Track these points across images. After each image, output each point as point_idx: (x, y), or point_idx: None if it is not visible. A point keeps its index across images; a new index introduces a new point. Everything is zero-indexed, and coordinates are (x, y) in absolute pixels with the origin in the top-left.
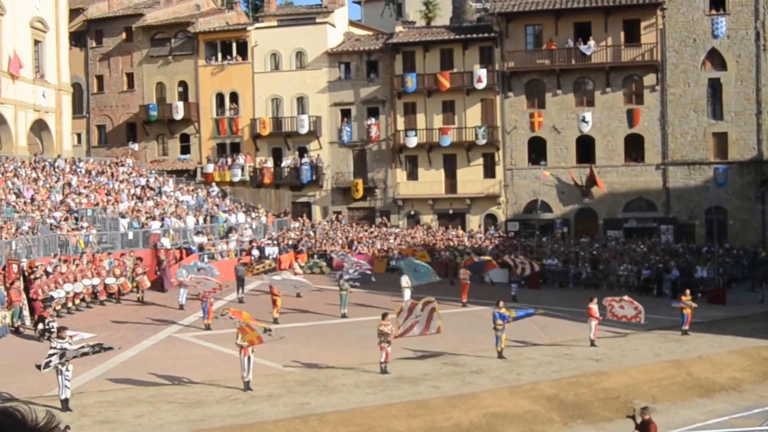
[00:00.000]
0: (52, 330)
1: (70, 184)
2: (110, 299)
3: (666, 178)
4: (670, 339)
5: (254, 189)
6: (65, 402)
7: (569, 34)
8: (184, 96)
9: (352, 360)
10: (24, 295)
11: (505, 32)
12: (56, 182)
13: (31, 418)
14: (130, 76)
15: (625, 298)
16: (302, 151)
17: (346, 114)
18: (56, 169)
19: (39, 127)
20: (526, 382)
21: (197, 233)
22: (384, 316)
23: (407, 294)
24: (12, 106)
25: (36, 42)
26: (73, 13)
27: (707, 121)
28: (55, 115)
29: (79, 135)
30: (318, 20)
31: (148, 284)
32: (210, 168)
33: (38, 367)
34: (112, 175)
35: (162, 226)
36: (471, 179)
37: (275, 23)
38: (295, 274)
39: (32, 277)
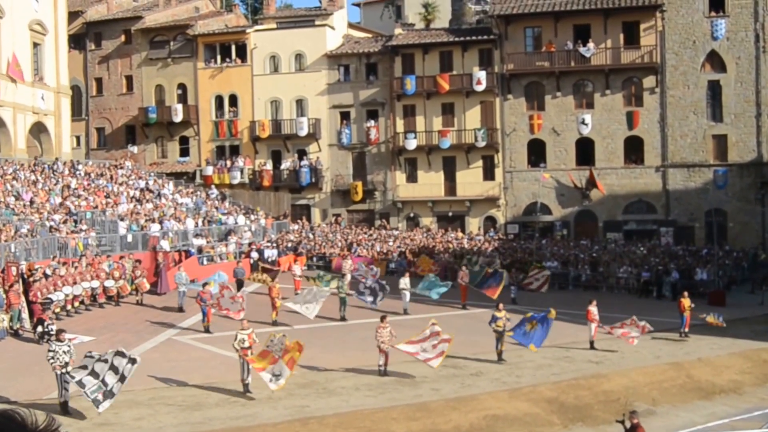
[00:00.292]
0: (51, 333)
1: (69, 187)
2: (109, 302)
3: (666, 180)
4: (670, 341)
5: (253, 191)
6: (64, 405)
7: (568, 36)
8: (183, 98)
9: (352, 362)
10: (23, 298)
11: (505, 34)
12: (55, 185)
13: (30, 421)
14: (129, 79)
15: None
16: (301, 154)
17: (345, 116)
18: (55, 172)
19: (38, 130)
20: (526, 384)
21: (196, 236)
22: (383, 318)
23: (407, 296)
24: (11, 108)
25: (35, 45)
26: (72, 15)
27: (707, 123)
28: (54, 117)
29: (78, 138)
30: (317, 22)
31: (148, 287)
32: (209, 170)
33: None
34: (111, 177)
35: (161, 229)
36: (470, 181)
37: (274, 26)
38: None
39: (31, 279)
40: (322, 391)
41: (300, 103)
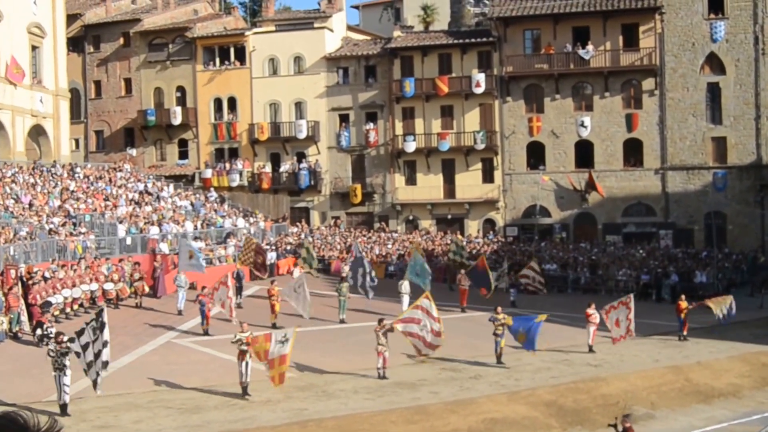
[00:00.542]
0: (51, 335)
1: (68, 190)
2: (108, 304)
3: (665, 182)
4: (669, 344)
5: (252, 194)
6: (64, 407)
7: (568, 39)
8: (182, 101)
9: (351, 365)
10: (22, 301)
11: (504, 37)
12: (54, 187)
13: (33, 423)
14: (127, 82)
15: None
16: (300, 156)
17: (344, 119)
18: (54, 175)
19: (37, 133)
20: (525, 387)
21: (195, 238)
22: (380, 321)
23: (406, 300)
24: (9, 111)
25: (33, 47)
26: (71, 18)
27: (706, 126)
28: (52, 120)
29: (77, 140)
30: (316, 25)
31: (147, 289)
32: (208, 173)
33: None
34: (110, 180)
35: (160, 232)
36: (469, 184)
37: (273, 28)
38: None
39: (30, 282)
40: (320, 394)
41: (299, 106)
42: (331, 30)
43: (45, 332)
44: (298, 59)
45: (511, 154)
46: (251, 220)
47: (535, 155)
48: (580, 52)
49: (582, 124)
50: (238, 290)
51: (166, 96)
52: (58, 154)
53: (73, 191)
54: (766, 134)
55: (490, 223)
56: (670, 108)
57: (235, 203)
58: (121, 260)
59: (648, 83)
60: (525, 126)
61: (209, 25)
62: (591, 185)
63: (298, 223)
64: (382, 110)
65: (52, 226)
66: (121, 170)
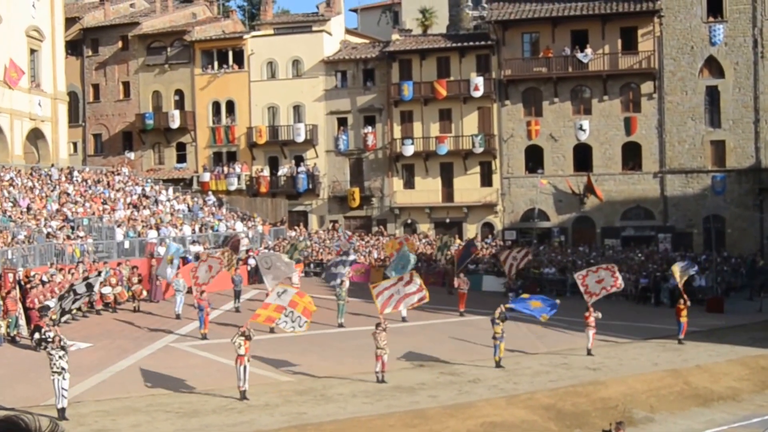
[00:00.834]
0: (49, 339)
1: (66, 193)
2: (106, 308)
3: (664, 186)
4: (668, 348)
5: (250, 198)
6: (62, 411)
7: (566, 42)
8: (180, 104)
9: (349, 369)
10: (20, 305)
11: (502, 40)
12: (52, 191)
13: (34, 427)
14: (126, 85)
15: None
16: (299, 160)
17: (342, 122)
18: (51, 179)
19: (35, 136)
20: (524, 391)
21: (193, 242)
22: (378, 325)
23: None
24: (8, 114)
25: (32, 51)
26: (69, 21)
27: (705, 129)
28: (51, 123)
29: (75, 144)
30: (314, 28)
31: (145, 293)
32: (206, 177)
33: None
34: (108, 184)
35: (158, 236)
36: (468, 188)
37: (271, 31)
38: (292, 283)
39: (28, 286)
40: (319, 397)
41: (297, 109)
42: (330, 33)
43: (43, 336)
44: (296, 63)
45: (510, 157)
46: (249, 224)
47: (534, 159)
48: (579, 55)
49: (580, 128)
50: (236, 294)
51: (164, 99)
52: (57, 158)
53: (71, 195)
54: (765, 137)
55: (488, 227)
56: (669, 111)
57: (233, 207)
58: (119, 264)
59: (647, 87)
60: (523, 129)
61: (208, 29)
62: (590, 189)
63: (296, 227)
64: (381, 114)
65: (50, 229)
66: (119, 174)
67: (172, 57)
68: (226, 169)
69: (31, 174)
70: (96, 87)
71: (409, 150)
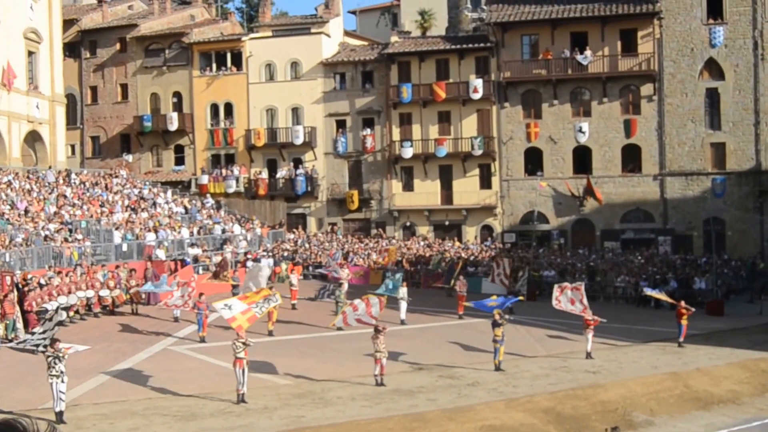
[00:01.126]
0: (46, 342)
1: (64, 196)
2: (104, 311)
3: (663, 188)
4: (668, 351)
5: (249, 200)
6: (60, 414)
7: (566, 44)
8: (178, 107)
9: (348, 372)
10: (18, 308)
11: (501, 42)
12: (50, 194)
13: (32, 430)
14: (124, 87)
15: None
16: (297, 162)
17: (341, 125)
18: (47, 181)
19: (33, 139)
20: (523, 394)
21: (192, 245)
22: (376, 328)
23: (403, 306)
24: (5, 117)
25: (30, 53)
26: (67, 23)
27: (705, 132)
28: (48, 126)
29: (73, 146)
30: (313, 30)
31: (143, 296)
32: (204, 179)
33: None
34: (106, 186)
35: (156, 238)
36: (467, 190)
37: (270, 33)
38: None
39: (26, 289)
40: (318, 401)
41: (295, 112)
42: (328, 35)
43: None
44: (294, 65)
45: (509, 160)
46: (248, 226)
47: (533, 161)
48: (578, 57)
49: (580, 130)
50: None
51: (162, 102)
52: (54, 160)
53: (69, 197)
54: (765, 140)
55: (487, 230)
56: (669, 114)
57: (232, 209)
58: (117, 267)
59: (646, 89)
60: (523, 132)
61: (206, 31)
62: (589, 191)
63: (294, 230)
64: (379, 116)
65: (48, 232)
66: (117, 176)
67: (171, 59)
68: (224, 171)
69: (28, 176)
70: (94, 89)
71: (408, 152)
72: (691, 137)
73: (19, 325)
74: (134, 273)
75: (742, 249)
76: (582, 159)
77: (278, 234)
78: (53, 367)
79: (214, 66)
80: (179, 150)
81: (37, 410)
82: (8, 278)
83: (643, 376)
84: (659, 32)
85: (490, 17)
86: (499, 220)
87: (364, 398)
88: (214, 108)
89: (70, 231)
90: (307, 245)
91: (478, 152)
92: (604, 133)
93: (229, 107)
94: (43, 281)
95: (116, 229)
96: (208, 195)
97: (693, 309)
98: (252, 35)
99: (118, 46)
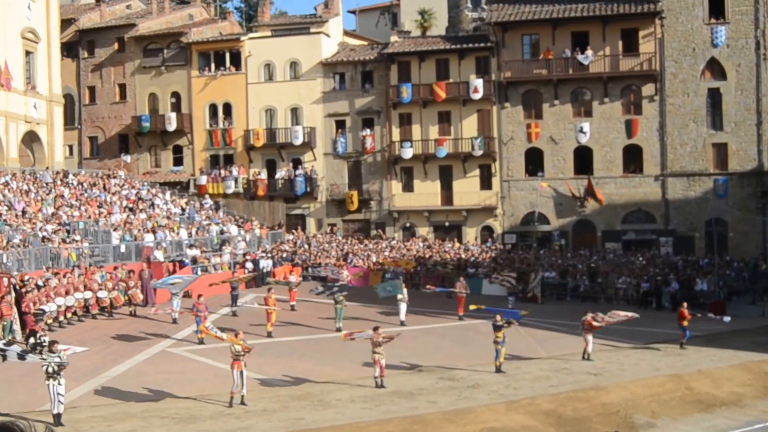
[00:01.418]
0: (44, 344)
1: (62, 197)
2: (102, 313)
3: (665, 189)
4: (670, 353)
5: (248, 201)
6: (57, 417)
7: (566, 44)
8: (176, 107)
9: (348, 374)
10: (15, 309)
11: (502, 42)
12: (48, 194)
13: None
14: (122, 87)
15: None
16: (296, 163)
17: (340, 125)
18: (45, 182)
19: (30, 139)
20: (524, 396)
21: (190, 246)
22: (376, 329)
23: (403, 307)
24: (3, 117)
25: (27, 53)
26: (65, 23)
27: (707, 132)
28: (46, 126)
29: (71, 147)
30: (312, 30)
31: (141, 297)
32: (203, 180)
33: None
34: (104, 187)
35: (155, 239)
36: (467, 191)
37: (269, 33)
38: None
39: (24, 290)
40: (317, 403)
41: (295, 112)
42: (328, 35)
43: (38, 341)
44: (294, 65)
45: (510, 160)
46: (247, 227)
47: (534, 162)
48: (579, 57)
49: (581, 130)
50: (234, 299)
51: (160, 102)
52: (52, 161)
53: (67, 198)
54: None
55: (488, 231)
56: (671, 114)
57: (231, 210)
58: (115, 268)
59: (648, 89)
60: (523, 132)
61: (204, 30)
62: (590, 192)
63: (293, 231)
64: (379, 116)
65: (45, 233)
66: (115, 177)
67: (169, 59)
68: (223, 172)
69: (26, 177)
70: (92, 89)
71: (407, 153)
72: (693, 137)
73: (17, 326)
74: (132, 275)
75: (745, 250)
76: (583, 159)
77: (277, 235)
78: (52, 368)
79: (212, 66)
80: (178, 150)
81: (35, 412)
82: (5, 280)
83: (644, 378)
84: (661, 32)
85: (491, 17)
86: (499, 221)
87: (364, 400)
88: (213, 108)
89: (68, 232)
90: (306, 246)
91: (479, 153)
92: (605, 134)
93: (227, 107)
94: (40, 282)
95: (114, 230)
96: (206, 196)
97: (698, 314)
98: (251, 35)
99: (116, 45)
